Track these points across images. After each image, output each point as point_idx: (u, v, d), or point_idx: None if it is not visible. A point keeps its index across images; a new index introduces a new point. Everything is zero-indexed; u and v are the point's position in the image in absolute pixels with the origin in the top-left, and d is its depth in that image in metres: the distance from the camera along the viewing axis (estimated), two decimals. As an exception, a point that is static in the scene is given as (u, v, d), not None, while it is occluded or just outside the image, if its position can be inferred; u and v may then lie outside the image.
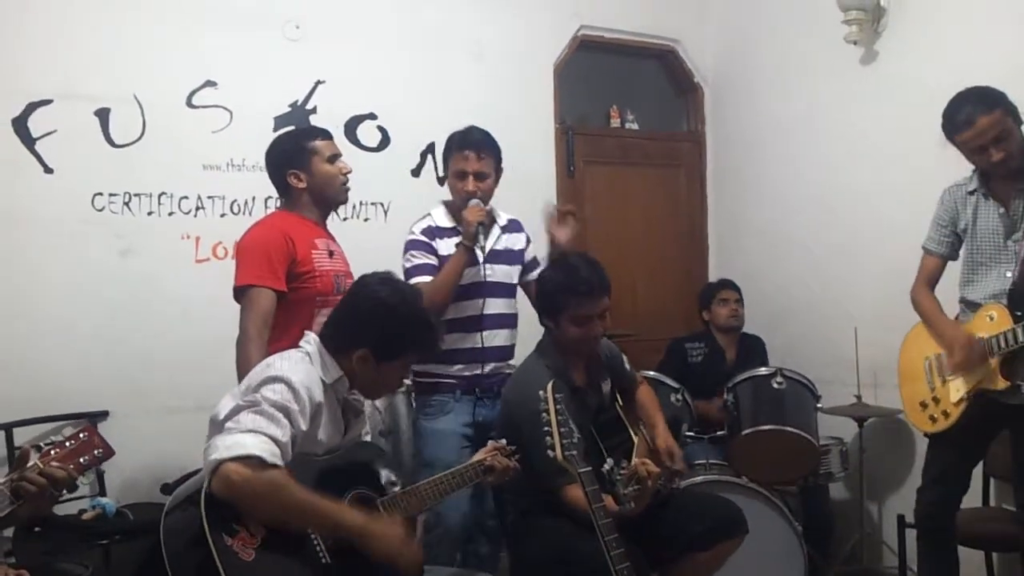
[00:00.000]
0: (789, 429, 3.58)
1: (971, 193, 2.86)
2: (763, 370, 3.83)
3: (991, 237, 2.80)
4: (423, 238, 3.10)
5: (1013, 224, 2.76)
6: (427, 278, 3.00)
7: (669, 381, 3.83)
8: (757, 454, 3.59)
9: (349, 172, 2.98)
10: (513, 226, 3.28)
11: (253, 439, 2.00)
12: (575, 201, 4.75)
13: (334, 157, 2.95)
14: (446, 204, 3.21)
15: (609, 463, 2.50)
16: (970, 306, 2.87)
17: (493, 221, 3.20)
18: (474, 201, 3.05)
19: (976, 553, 3.40)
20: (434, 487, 2.38)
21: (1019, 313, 2.66)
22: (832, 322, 4.24)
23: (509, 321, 3.21)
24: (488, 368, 3.14)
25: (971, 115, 2.68)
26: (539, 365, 2.82)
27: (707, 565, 2.79)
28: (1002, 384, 2.70)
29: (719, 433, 3.85)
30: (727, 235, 5.10)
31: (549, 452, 2.35)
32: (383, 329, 2.25)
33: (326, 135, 3.03)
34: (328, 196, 2.96)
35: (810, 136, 4.44)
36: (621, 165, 4.99)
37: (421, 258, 3.07)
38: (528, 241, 3.32)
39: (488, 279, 3.13)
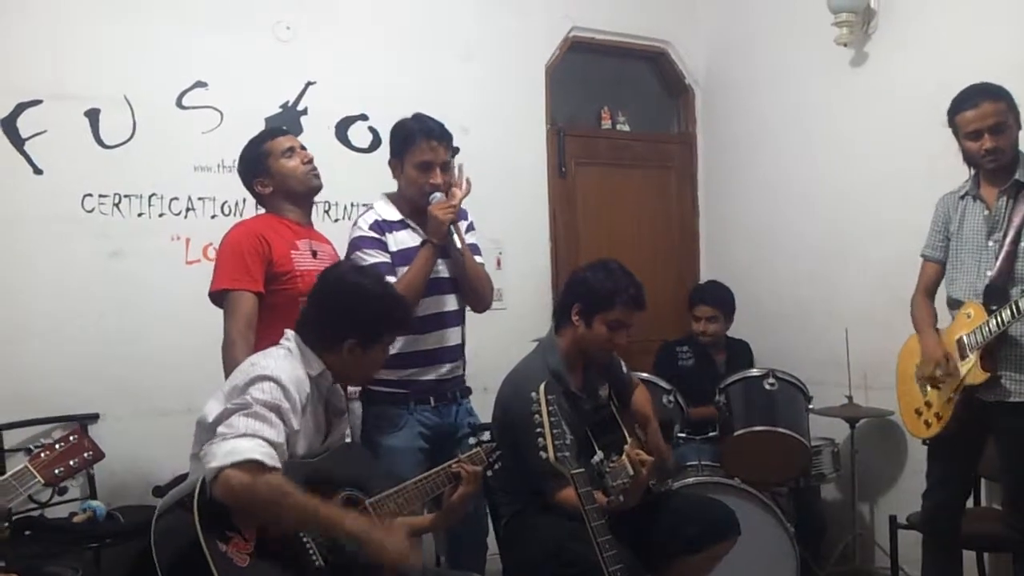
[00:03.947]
0: (781, 430, 3.58)
1: (962, 197, 2.98)
2: (755, 371, 3.83)
3: (974, 237, 2.91)
4: (372, 233, 2.88)
5: (995, 224, 2.86)
6: (388, 279, 2.72)
7: (661, 383, 3.82)
8: (749, 455, 3.60)
9: (309, 160, 2.92)
10: (460, 214, 2.99)
11: (249, 443, 2.00)
12: (567, 202, 4.78)
13: (289, 151, 2.89)
14: (389, 196, 3.01)
15: (599, 456, 2.54)
16: (953, 304, 2.97)
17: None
18: (438, 196, 2.88)
19: (968, 554, 3.41)
20: (413, 490, 2.37)
21: (993, 307, 2.77)
22: (823, 323, 4.25)
23: (461, 318, 3.03)
24: (445, 369, 2.95)
25: (978, 99, 2.81)
26: (537, 365, 2.82)
27: (700, 567, 2.80)
28: (982, 376, 2.79)
29: (711, 434, 3.85)
30: (718, 237, 5.10)
31: (542, 454, 2.36)
32: (366, 315, 2.29)
33: (276, 133, 2.99)
34: (295, 189, 2.90)
35: (801, 138, 4.45)
36: (612, 166, 4.98)
37: (376, 255, 2.85)
38: (471, 227, 3.10)
39: (441, 275, 2.94)
